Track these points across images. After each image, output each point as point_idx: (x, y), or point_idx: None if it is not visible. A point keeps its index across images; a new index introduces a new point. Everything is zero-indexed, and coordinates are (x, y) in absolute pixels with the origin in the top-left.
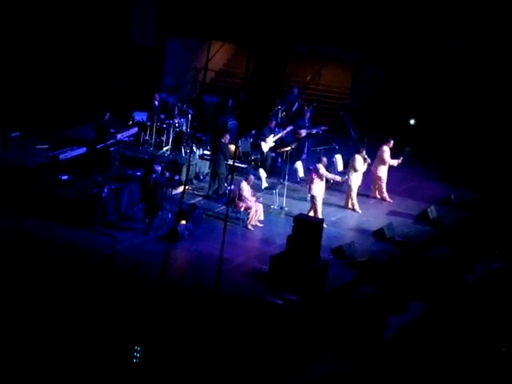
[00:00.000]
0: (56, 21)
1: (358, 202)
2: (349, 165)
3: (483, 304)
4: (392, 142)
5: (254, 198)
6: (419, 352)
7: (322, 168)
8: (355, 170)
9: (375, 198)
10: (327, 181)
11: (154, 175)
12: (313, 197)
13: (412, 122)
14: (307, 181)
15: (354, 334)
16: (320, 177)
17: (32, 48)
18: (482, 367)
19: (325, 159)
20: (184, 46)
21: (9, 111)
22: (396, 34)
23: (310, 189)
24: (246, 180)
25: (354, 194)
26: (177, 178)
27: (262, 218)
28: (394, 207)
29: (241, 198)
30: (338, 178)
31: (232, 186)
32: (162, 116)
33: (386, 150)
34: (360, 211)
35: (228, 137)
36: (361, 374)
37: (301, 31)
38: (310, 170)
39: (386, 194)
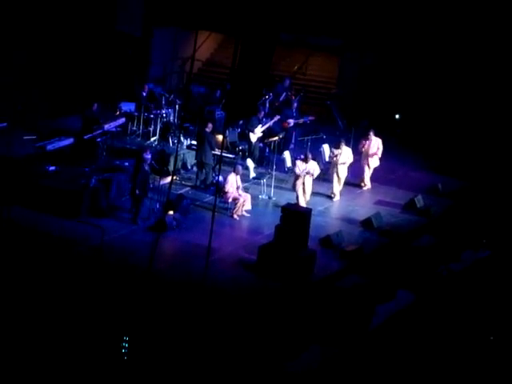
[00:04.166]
0: (41, 10)
1: (346, 192)
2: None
3: (470, 293)
4: (371, 132)
5: (238, 190)
6: (407, 340)
7: (298, 165)
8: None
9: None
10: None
11: (143, 164)
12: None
13: (397, 116)
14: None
15: (341, 323)
16: (298, 174)
17: (18, 38)
18: (470, 355)
19: (310, 154)
20: (170, 35)
21: None
22: (382, 22)
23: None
24: (234, 171)
25: (335, 182)
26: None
27: (249, 207)
28: (381, 196)
29: (224, 191)
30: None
31: (220, 177)
32: (150, 106)
33: (365, 141)
34: (338, 197)
35: (211, 126)
36: (348, 362)
37: (287, 20)
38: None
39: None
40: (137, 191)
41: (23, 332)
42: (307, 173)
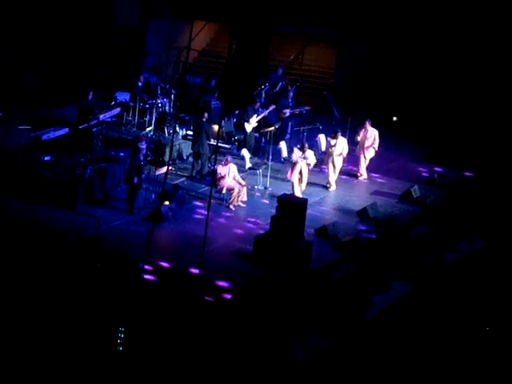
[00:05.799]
0: (38, 1)
1: (342, 183)
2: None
3: (466, 283)
4: (367, 122)
5: (234, 181)
6: (403, 330)
7: (294, 151)
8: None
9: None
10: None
11: (139, 154)
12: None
13: (394, 118)
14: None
15: (338, 313)
16: (294, 161)
17: (14, 29)
18: (466, 346)
19: (306, 144)
20: (166, 25)
21: None
22: (378, 11)
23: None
24: (222, 163)
25: (331, 173)
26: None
27: (245, 198)
28: (377, 187)
29: (217, 181)
30: (310, 161)
31: (216, 167)
32: (145, 96)
33: (361, 131)
34: (334, 187)
35: (207, 115)
36: (345, 352)
37: (284, 10)
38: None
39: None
40: (135, 179)
41: (18, 322)
42: (304, 158)
